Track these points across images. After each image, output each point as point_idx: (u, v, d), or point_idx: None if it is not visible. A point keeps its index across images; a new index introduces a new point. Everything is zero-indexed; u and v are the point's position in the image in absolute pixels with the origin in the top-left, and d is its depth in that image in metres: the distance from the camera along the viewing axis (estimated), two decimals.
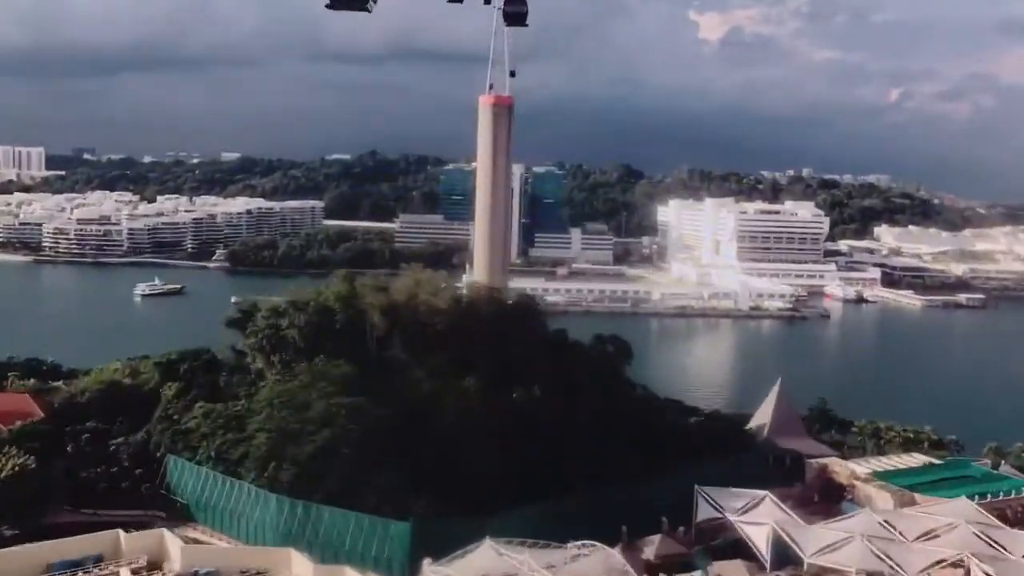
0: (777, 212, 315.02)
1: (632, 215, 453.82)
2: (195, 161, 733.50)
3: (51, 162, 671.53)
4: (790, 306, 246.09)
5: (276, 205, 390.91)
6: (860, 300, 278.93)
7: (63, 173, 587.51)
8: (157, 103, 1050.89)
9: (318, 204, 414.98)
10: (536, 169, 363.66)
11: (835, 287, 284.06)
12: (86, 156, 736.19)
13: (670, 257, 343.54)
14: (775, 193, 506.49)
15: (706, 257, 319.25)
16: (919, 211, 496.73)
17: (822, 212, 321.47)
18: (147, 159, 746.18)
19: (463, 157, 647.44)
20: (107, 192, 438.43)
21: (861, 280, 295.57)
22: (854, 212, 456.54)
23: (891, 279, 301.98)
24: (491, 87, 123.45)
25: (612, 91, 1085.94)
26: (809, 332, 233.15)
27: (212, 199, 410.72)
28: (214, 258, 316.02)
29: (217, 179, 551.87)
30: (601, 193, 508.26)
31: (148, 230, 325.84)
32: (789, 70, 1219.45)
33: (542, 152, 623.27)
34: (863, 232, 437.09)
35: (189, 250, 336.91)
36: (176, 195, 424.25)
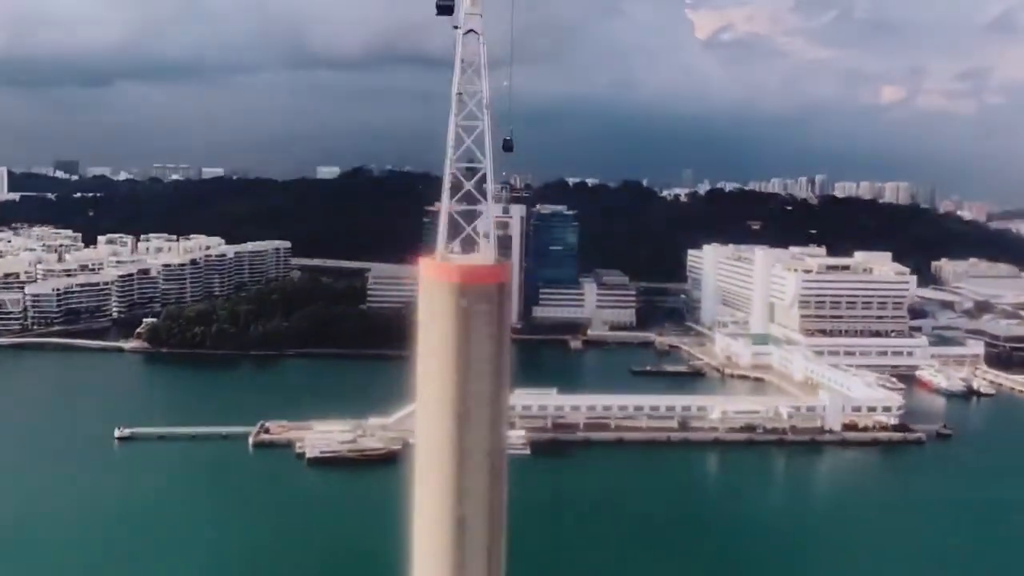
0: (846, 268, 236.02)
1: (651, 250, 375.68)
2: (174, 178, 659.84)
3: (20, 182, 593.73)
4: (896, 421, 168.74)
5: (231, 250, 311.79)
6: (970, 392, 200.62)
7: (17, 198, 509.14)
8: (146, 113, 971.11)
9: (284, 245, 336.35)
10: (541, 209, 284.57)
11: (933, 372, 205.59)
12: (58, 174, 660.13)
13: (707, 319, 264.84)
14: (808, 216, 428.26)
15: (756, 323, 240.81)
16: (973, 239, 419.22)
17: (906, 270, 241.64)
18: (123, 175, 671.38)
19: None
20: (43, 230, 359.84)
21: (961, 358, 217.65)
22: (905, 243, 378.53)
23: (996, 353, 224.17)
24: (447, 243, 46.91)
25: (607, 93, 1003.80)
26: (946, 476, 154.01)
27: (160, 241, 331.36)
28: (138, 330, 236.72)
29: (188, 204, 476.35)
30: (612, 217, 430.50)
31: (58, 295, 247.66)
32: (786, 69, 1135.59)
33: (539, 162, 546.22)
34: (921, 268, 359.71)
35: (115, 316, 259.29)
36: (122, 235, 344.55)
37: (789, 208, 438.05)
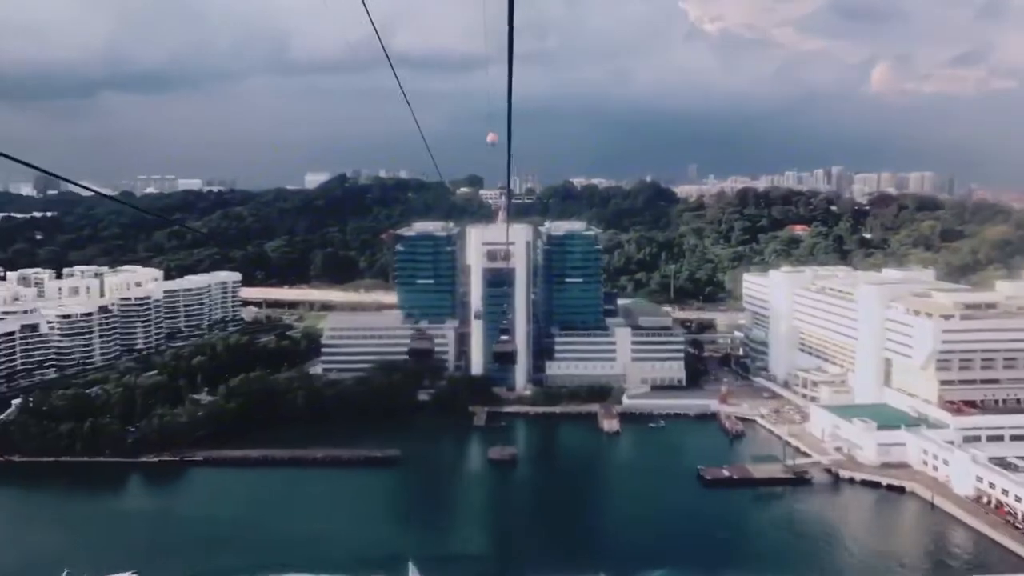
0: (992, 307, 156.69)
1: (679, 264, 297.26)
2: (148, 191, 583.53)
3: None
4: None
5: (159, 290, 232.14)
6: None
7: None
8: (129, 123, 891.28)
9: (232, 278, 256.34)
10: (552, 229, 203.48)
11: None
12: (24, 191, 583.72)
13: (779, 370, 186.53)
14: (858, 219, 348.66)
15: (864, 385, 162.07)
16: None
17: None
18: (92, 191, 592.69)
19: (448, 178, 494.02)
20: None
21: None
22: (986, 251, 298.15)
23: None
24: None
25: (602, 89, 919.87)
26: None
27: (81, 279, 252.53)
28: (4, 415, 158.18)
29: (148, 222, 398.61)
30: (628, 224, 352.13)
31: None
32: (781, 60, 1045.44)
33: (539, 162, 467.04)
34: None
35: None
36: (38, 270, 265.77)
37: (833, 208, 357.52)
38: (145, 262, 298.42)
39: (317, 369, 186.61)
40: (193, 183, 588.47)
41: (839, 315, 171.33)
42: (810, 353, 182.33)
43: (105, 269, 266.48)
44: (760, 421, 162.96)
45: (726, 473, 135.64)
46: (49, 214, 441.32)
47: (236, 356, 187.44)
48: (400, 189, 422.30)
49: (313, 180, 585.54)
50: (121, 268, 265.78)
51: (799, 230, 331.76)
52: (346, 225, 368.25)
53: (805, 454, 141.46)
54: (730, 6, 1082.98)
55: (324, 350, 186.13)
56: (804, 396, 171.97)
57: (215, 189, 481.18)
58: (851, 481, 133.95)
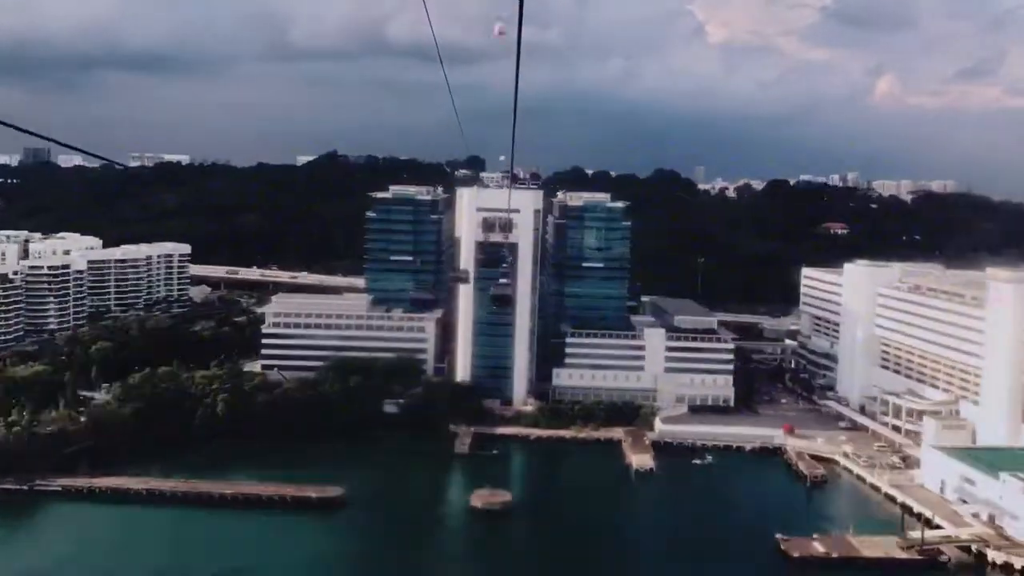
0: None
1: (709, 261, 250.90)
2: (133, 164, 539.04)
3: None
4: None
5: (82, 259, 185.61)
6: None
7: None
8: (125, 103, 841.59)
9: (180, 249, 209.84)
10: (569, 199, 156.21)
11: None
12: (3, 161, 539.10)
13: (851, 391, 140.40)
14: (902, 216, 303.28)
15: (992, 418, 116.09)
16: None
17: None
18: (76, 162, 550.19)
19: (444, 159, 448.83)
20: None
21: None
22: None
23: None
24: None
25: (606, 89, 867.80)
26: None
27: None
28: None
29: (116, 193, 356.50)
30: (648, 216, 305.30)
31: None
32: (786, 67, 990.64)
33: (545, 157, 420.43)
34: None
35: None
36: None
37: (874, 207, 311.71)
38: (98, 232, 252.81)
39: (258, 366, 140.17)
40: (181, 159, 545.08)
41: (947, 323, 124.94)
42: (896, 371, 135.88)
43: (37, 235, 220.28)
44: (843, 462, 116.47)
45: (819, 548, 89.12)
46: (12, 181, 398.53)
47: (156, 344, 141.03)
48: (394, 169, 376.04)
49: (303, 161, 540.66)
50: (55, 235, 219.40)
51: (836, 228, 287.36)
52: (330, 204, 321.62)
53: (931, 523, 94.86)
54: (737, 12, 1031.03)
55: (265, 341, 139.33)
56: (896, 429, 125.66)
57: (196, 163, 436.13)
58: (1006, 568, 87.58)
